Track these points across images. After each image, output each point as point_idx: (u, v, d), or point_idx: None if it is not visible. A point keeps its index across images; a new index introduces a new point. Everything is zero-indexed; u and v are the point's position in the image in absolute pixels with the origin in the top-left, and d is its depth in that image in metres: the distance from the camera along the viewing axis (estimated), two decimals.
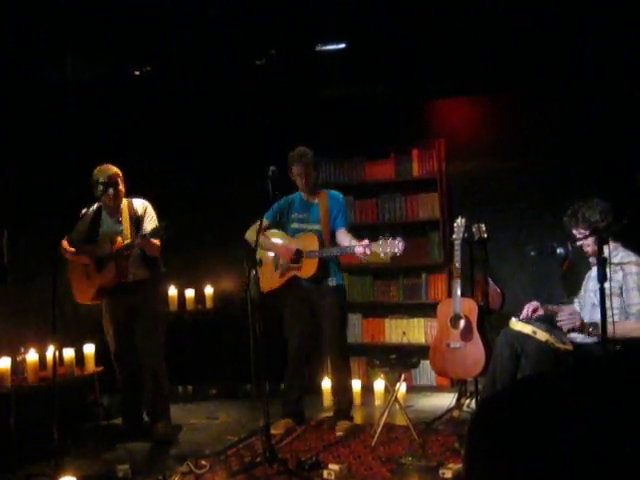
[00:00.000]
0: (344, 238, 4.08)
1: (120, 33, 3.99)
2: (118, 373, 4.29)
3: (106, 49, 4.24)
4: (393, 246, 3.69)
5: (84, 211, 4.28)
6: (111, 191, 4.08)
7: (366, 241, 3.83)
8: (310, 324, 4.26)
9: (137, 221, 4.17)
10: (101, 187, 4.07)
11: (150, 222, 4.17)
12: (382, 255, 3.75)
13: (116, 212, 4.18)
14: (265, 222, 4.20)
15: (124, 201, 4.22)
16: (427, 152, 5.43)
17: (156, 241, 4.07)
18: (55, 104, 4.76)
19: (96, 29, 3.86)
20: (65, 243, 4.18)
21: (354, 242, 3.96)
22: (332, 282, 4.12)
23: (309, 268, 4.07)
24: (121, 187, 4.14)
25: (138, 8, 3.66)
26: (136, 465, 3.56)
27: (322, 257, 4.02)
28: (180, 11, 3.75)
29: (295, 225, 4.23)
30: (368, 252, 3.81)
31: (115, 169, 4.13)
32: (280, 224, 4.29)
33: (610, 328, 2.96)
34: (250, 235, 4.22)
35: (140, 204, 4.25)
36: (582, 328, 3.29)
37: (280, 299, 4.31)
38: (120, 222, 4.17)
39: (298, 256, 4.11)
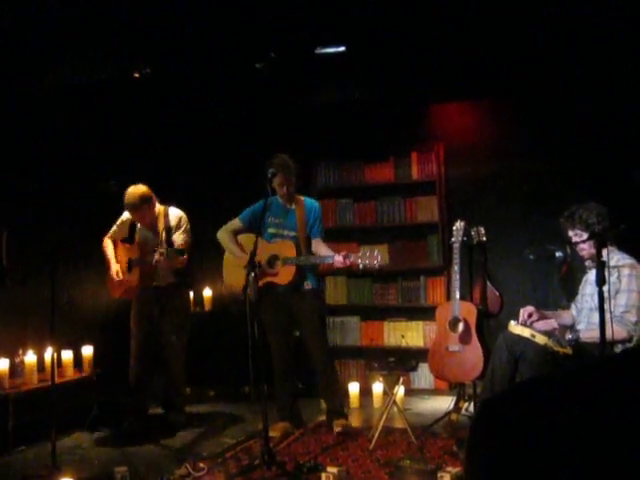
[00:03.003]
0: (320, 247, 4.12)
1: (120, 35, 4.00)
2: (134, 369, 4.38)
3: (106, 51, 4.25)
4: (372, 259, 3.74)
5: (124, 216, 4.41)
6: (136, 216, 4.27)
7: (345, 252, 3.88)
8: (290, 330, 4.29)
9: (169, 231, 4.31)
10: (128, 211, 4.27)
11: (179, 235, 4.31)
12: (361, 267, 3.80)
13: (150, 224, 4.35)
14: (239, 225, 4.22)
15: (160, 209, 4.36)
16: (426, 155, 5.44)
17: (180, 257, 4.18)
18: (55, 106, 4.77)
19: (95, 32, 3.87)
20: (107, 244, 4.41)
21: (331, 252, 4.02)
22: (308, 285, 4.14)
23: (286, 275, 4.07)
24: (147, 211, 4.24)
25: (138, 10, 3.67)
26: (134, 467, 3.55)
27: (298, 264, 4.03)
28: (180, 14, 3.76)
29: (272, 230, 4.21)
30: (348, 262, 3.85)
31: (137, 195, 4.17)
32: (254, 228, 4.19)
33: (593, 333, 3.01)
34: (221, 235, 4.28)
35: (174, 215, 4.37)
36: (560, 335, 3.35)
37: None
38: (153, 231, 4.34)
39: (271, 262, 4.10)
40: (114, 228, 4.46)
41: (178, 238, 4.29)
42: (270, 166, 4.00)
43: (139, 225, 4.38)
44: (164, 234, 4.30)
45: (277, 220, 4.21)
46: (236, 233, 4.27)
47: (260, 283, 4.08)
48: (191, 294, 5.56)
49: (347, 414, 4.31)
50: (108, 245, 4.43)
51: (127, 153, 5.15)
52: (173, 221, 4.34)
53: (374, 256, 3.75)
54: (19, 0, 3.44)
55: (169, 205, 4.44)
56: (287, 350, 4.28)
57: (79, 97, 4.76)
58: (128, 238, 4.40)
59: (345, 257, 3.84)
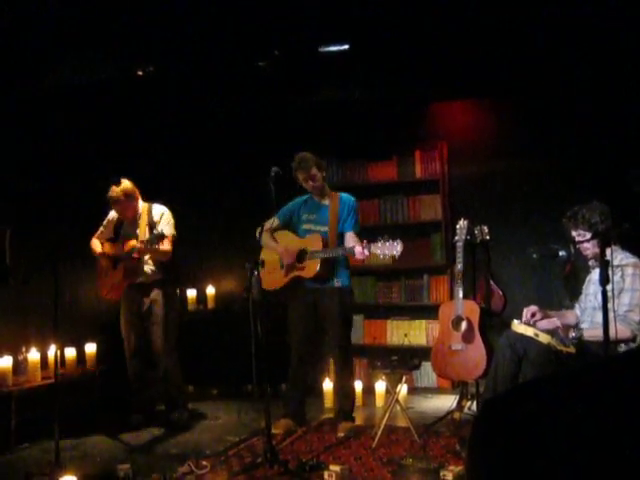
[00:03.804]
0: (350, 241, 4.10)
1: (120, 35, 4.00)
2: (130, 367, 4.45)
3: (106, 51, 4.25)
4: (392, 248, 3.76)
5: (110, 216, 4.49)
6: (118, 209, 4.35)
7: (365, 242, 3.88)
8: (313, 325, 4.26)
9: (153, 226, 4.35)
10: (111, 204, 4.35)
11: (164, 227, 4.34)
12: (381, 257, 3.85)
13: (133, 219, 4.41)
14: (276, 222, 4.23)
15: (144, 206, 4.42)
16: (429, 154, 5.43)
17: (162, 247, 4.19)
18: (55, 106, 4.77)
19: (95, 32, 3.86)
20: (95, 242, 4.48)
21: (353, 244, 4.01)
22: (337, 283, 4.13)
23: (311, 268, 4.09)
24: (128, 205, 4.32)
25: (138, 10, 3.66)
26: (137, 465, 3.56)
27: (323, 257, 4.04)
28: (180, 13, 3.75)
29: (305, 226, 4.26)
30: (367, 253, 3.86)
31: (119, 190, 4.25)
32: (291, 225, 4.30)
33: (597, 332, 3.01)
34: (259, 233, 4.28)
35: (158, 210, 4.43)
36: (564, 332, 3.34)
37: (285, 301, 4.33)
38: (137, 227, 4.38)
39: (301, 257, 4.13)
40: (101, 228, 4.53)
41: (163, 229, 4.30)
42: (294, 167, 4.12)
43: (124, 223, 4.44)
44: (147, 230, 4.34)
45: (311, 216, 4.25)
46: (273, 230, 4.28)
47: (288, 277, 4.14)
48: (192, 292, 5.60)
49: (355, 417, 4.30)
50: (95, 242, 4.50)
51: (127, 153, 5.15)
52: (156, 216, 4.41)
53: (393, 246, 3.76)
54: (19, 0, 3.44)
55: (153, 202, 4.47)
56: (306, 347, 4.27)
57: (79, 97, 4.76)
58: (113, 237, 4.45)
59: (365, 247, 3.84)
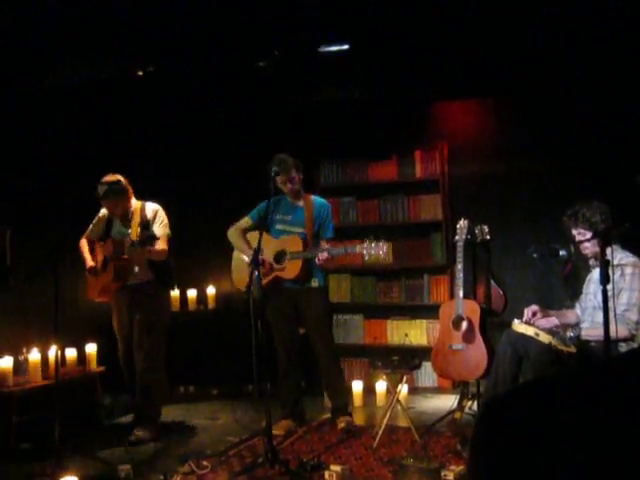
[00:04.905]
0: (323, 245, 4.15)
1: (120, 35, 4.00)
2: (124, 372, 4.33)
3: (106, 51, 4.25)
4: (377, 249, 3.82)
5: (101, 213, 4.34)
6: (106, 205, 4.19)
7: (349, 244, 4.00)
8: (296, 325, 4.30)
9: (146, 225, 4.18)
10: (100, 200, 4.16)
11: (159, 227, 4.18)
12: (366, 257, 3.92)
13: (124, 217, 4.24)
14: (249, 222, 4.24)
15: (137, 205, 4.25)
16: (430, 154, 5.42)
17: (158, 247, 4.09)
18: (55, 106, 4.77)
19: (95, 32, 3.86)
20: (83, 243, 4.32)
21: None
22: (315, 283, 4.17)
23: (293, 269, 4.10)
24: (118, 201, 4.13)
25: (138, 10, 3.66)
26: (138, 465, 3.56)
27: (307, 258, 4.06)
28: (180, 13, 3.75)
29: (279, 226, 4.26)
30: (324, 256, 3.93)
31: (106, 185, 4.06)
32: (264, 225, 4.26)
33: (597, 331, 3.01)
34: (230, 233, 4.31)
35: (151, 208, 4.26)
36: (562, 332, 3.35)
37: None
38: (129, 225, 4.21)
39: (279, 258, 4.14)
40: (90, 226, 4.35)
41: (158, 231, 4.13)
42: (271, 166, 4.04)
43: (115, 221, 4.28)
44: (139, 229, 4.13)
45: (285, 217, 4.25)
46: (246, 231, 4.29)
47: (268, 278, 4.12)
48: (192, 292, 5.59)
49: (351, 413, 4.30)
50: (84, 244, 4.31)
51: (127, 153, 5.15)
52: (149, 214, 4.22)
53: (379, 247, 3.81)
54: (19, 0, 3.44)
55: (146, 200, 4.31)
56: (292, 347, 4.28)
57: (79, 97, 4.76)
58: (104, 236, 4.26)
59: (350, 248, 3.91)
